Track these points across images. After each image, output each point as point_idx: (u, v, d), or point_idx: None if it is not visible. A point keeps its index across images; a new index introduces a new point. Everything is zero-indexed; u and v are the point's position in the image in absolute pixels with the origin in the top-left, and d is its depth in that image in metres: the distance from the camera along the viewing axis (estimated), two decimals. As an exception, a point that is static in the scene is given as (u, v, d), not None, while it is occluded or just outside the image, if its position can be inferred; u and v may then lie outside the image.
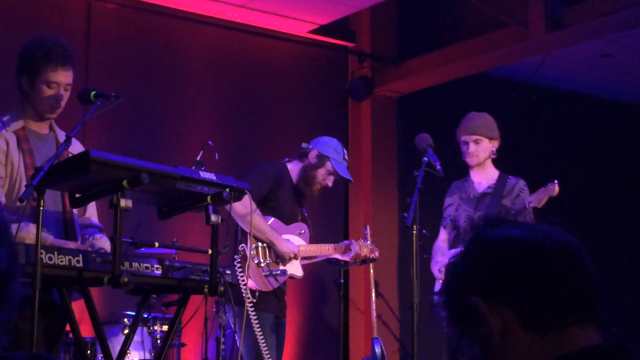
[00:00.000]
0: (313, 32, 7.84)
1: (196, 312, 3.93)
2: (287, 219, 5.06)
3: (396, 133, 8.34)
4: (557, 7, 6.97)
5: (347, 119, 8.37)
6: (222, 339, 5.41)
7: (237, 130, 7.57)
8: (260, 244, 4.88)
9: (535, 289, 1.31)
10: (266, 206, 4.94)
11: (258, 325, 4.73)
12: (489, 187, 5.14)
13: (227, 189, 3.40)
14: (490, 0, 7.37)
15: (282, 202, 5.01)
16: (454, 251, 5.22)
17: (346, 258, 5.39)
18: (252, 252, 4.80)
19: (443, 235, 5.29)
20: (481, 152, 5.11)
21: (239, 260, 4.78)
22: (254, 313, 4.73)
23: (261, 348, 4.73)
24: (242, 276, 4.67)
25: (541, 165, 8.75)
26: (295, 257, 4.98)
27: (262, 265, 4.86)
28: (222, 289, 3.41)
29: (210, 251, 3.45)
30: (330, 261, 6.28)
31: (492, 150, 5.15)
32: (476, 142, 5.10)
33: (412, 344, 4.50)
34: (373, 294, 6.98)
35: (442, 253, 5.18)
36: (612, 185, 9.60)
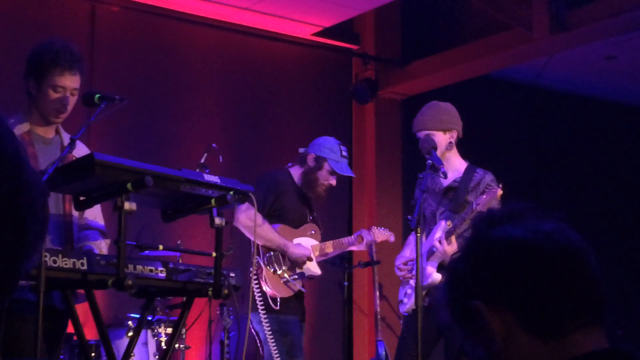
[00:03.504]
0: (317, 34, 7.84)
1: (200, 315, 3.93)
2: (296, 223, 5.09)
3: (400, 135, 8.33)
4: (561, 9, 6.95)
5: (351, 121, 8.37)
6: (226, 342, 5.41)
7: (241, 132, 7.57)
8: (272, 252, 4.91)
9: (536, 293, 1.28)
10: (273, 215, 4.96)
11: (270, 331, 4.78)
12: (454, 180, 4.84)
13: (231, 192, 3.39)
14: (494, 2, 7.36)
15: (288, 208, 5.03)
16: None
17: (362, 248, 5.43)
18: (265, 262, 4.84)
19: None
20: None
21: (255, 272, 4.81)
22: (267, 318, 4.77)
23: (272, 353, 4.76)
24: (257, 288, 4.76)
25: (546, 168, 8.73)
26: (310, 259, 5.01)
27: (279, 272, 4.88)
28: (226, 291, 3.41)
29: (214, 254, 3.44)
30: (334, 263, 6.28)
31: (451, 142, 4.83)
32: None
33: (417, 346, 4.48)
34: (377, 296, 6.97)
35: (411, 249, 4.84)
36: (617, 187, 9.58)
